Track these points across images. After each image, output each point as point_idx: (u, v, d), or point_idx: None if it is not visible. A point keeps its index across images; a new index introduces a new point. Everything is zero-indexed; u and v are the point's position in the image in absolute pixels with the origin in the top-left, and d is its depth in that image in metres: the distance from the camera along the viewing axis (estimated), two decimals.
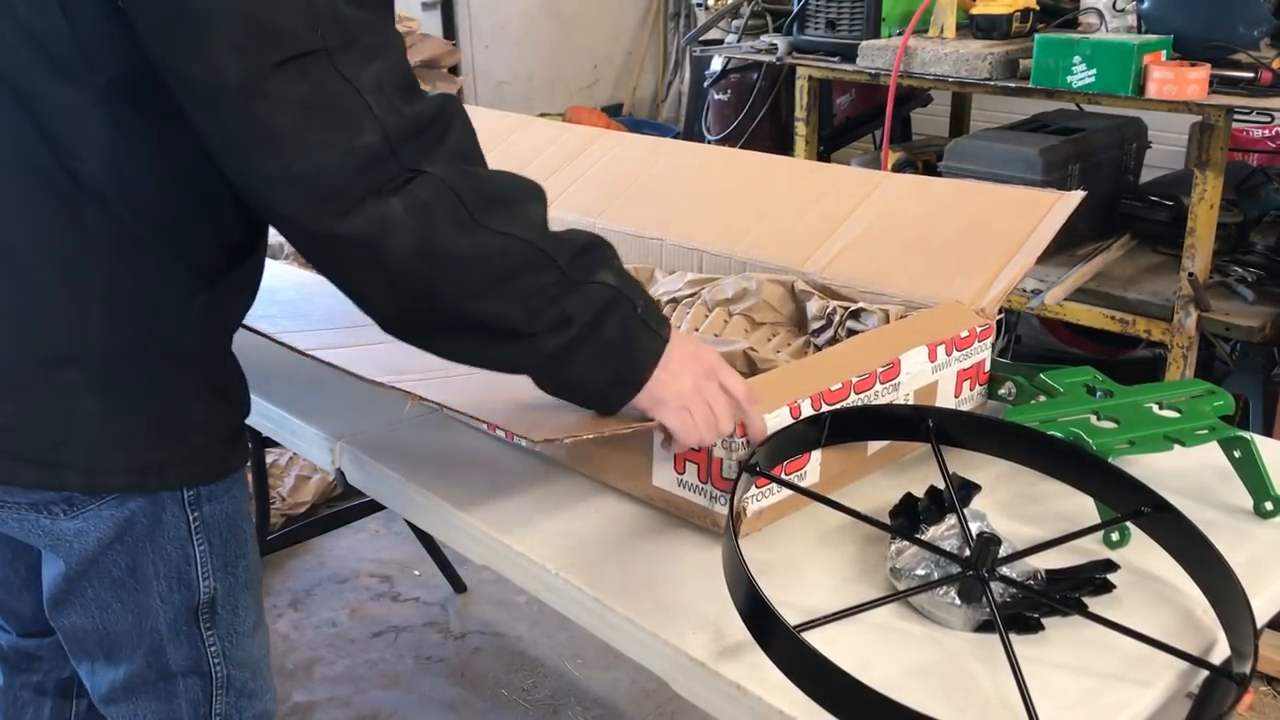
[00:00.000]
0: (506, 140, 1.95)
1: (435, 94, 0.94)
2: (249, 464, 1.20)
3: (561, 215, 1.65)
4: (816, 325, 1.39)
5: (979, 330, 1.31)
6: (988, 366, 1.35)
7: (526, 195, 0.96)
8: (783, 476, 1.10)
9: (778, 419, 1.09)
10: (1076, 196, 1.40)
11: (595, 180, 1.75)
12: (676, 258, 1.58)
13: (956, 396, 1.32)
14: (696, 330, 1.41)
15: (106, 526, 1.09)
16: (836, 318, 1.37)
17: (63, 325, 1.01)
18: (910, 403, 1.24)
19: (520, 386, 1.03)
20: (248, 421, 1.20)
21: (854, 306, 1.37)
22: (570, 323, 0.95)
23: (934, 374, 1.27)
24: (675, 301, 1.48)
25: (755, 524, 1.14)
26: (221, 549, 1.18)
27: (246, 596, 1.24)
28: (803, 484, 1.16)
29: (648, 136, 1.92)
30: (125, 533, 1.11)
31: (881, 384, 1.20)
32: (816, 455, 1.17)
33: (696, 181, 1.69)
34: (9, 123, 0.96)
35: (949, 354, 1.28)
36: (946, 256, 1.40)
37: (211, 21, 0.84)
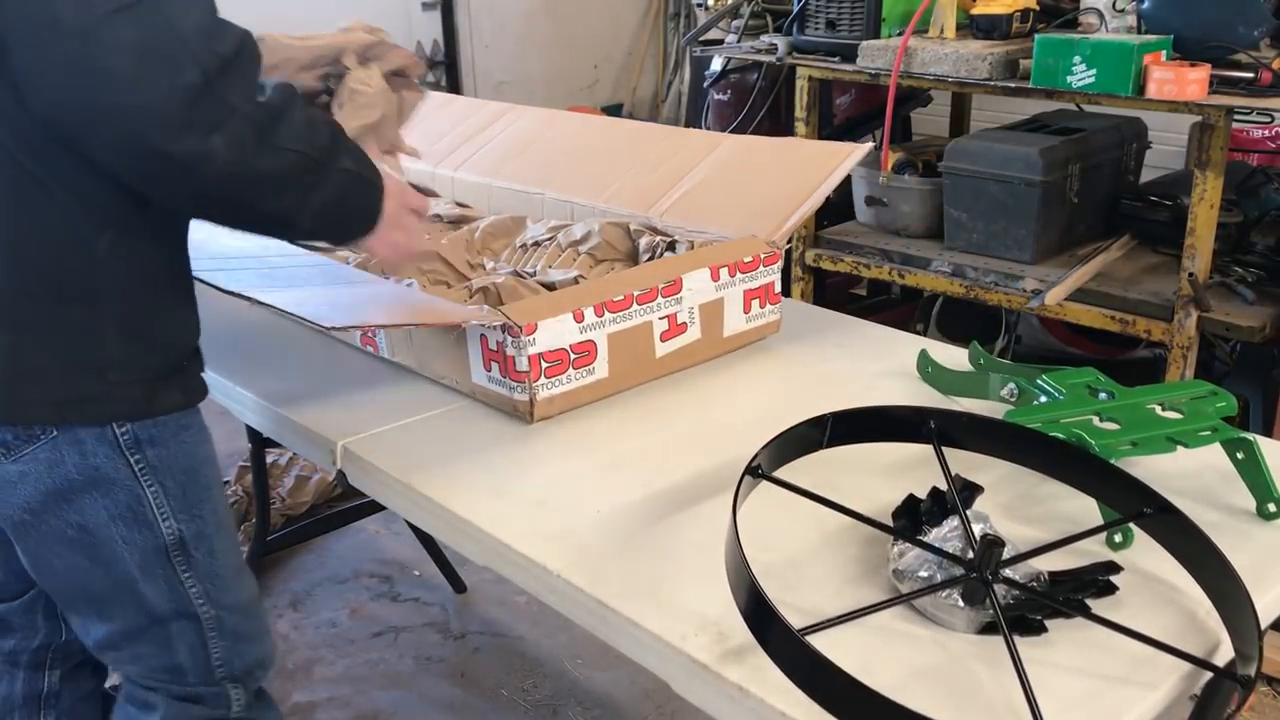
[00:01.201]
0: (431, 115, 2.19)
1: (236, 29, 1.07)
2: (201, 404, 1.28)
3: (464, 177, 2.06)
4: (645, 258, 1.64)
5: (764, 256, 1.55)
6: (777, 289, 1.60)
7: (287, 103, 1.12)
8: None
9: (563, 323, 1.34)
10: (865, 148, 1.68)
11: (498, 147, 2.09)
12: (554, 208, 1.90)
13: (746, 312, 1.56)
14: (551, 267, 1.68)
15: (44, 471, 1.13)
16: (658, 250, 1.63)
17: None
18: (697, 322, 1.50)
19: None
20: (249, 422, 1.20)
21: (670, 239, 1.64)
22: (325, 205, 1.16)
23: (718, 292, 1.51)
24: (538, 244, 1.76)
25: (548, 409, 1.36)
26: (179, 492, 1.22)
27: (221, 539, 1.28)
28: (591, 379, 1.38)
29: (548, 110, 2.19)
30: (66, 490, 1.15)
31: (663, 298, 1.44)
32: (604, 353, 1.39)
33: (577, 146, 2.02)
34: None
35: (732, 275, 1.52)
36: (755, 201, 1.67)
37: None
